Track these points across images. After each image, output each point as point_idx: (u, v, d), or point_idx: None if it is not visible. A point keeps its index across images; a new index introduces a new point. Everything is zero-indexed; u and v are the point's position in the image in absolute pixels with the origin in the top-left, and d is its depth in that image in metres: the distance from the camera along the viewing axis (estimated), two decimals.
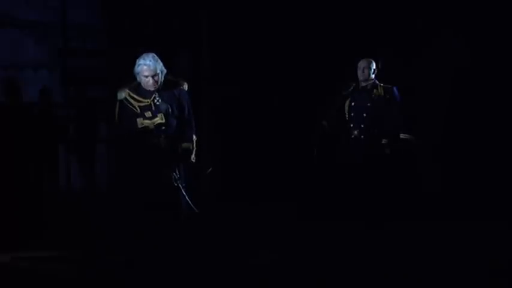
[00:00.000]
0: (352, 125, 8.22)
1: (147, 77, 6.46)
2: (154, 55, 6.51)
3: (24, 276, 6.49)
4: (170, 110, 6.51)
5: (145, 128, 6.47)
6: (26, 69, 10.65)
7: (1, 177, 8.08)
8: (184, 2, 10.95)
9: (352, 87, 8.28)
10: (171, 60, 6.84)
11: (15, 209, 8.04)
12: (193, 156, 6.60)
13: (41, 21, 10.81)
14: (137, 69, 6.49)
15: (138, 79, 6.54)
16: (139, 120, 6.47)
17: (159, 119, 6.47)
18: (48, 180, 9.08)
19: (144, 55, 6.50)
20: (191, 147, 6.60)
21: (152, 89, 6.50)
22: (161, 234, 6.40)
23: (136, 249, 6.49)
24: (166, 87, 6.56)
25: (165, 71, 6.54)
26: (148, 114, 6.48)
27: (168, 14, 10.91)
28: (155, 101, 6.50)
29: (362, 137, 8.17)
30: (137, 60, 6.49)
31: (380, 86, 8.24)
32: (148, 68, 6.45)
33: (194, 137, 6.65)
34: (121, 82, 6.76)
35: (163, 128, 6.49)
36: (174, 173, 6.45)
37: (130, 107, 6.48)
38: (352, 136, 8.20)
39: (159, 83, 6.50)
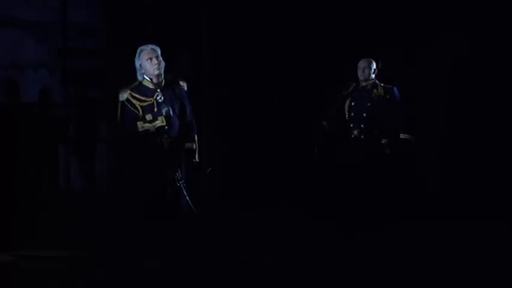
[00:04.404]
0: (352, 125, 8.22)
1: (151, 59, 6.46)
2: None
3: (24, 276, 6.49)
4: (171, 112, 6.49)
5: (146, 131, 6.46)
6: (26, 69, 10.64)
7: (1, 177, 8.08)
8: (184, 2, 10.95)
9: (352, 87, 8.28)
10: (171, 60, 6.83)
11: (15, 208, 8.04)
12: (196, 156, 6.60)
13: (41, 21, 10.80)
14: (138, 58, 6.49)
15: (140, 71, 6.50)
16: (139, 124, 6.46)
17: (159, 122, 6.46)
18: (48, 180, 9.08)
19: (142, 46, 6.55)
20: (194, 147, 6.60)
21: (156, 72, 6.46)
22: (162, 234, 6.40)
23: (137, 249, 6.49)
24: (167, 86, 6.56)
25: (164, 63, 6.53)
26: (149, 117, 6.47)
27: (168, 14, 10.91)
28: (158, 98, 6.50)
29: (362, 136, 8.17)
30: (137, 51, 6.51)
31: (380, 86, 8.24)
32: (151, 49, 6.48)
33: (196, 136, 6.65)
34: (121, 82, 6.76)
35: (166, 127, 6.48)
36: (177, 173, 6.45)
37: (132, 108, 6.48)
38: (352, 136, 8.20)
39: (161, 68, 6.48)
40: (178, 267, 6.33)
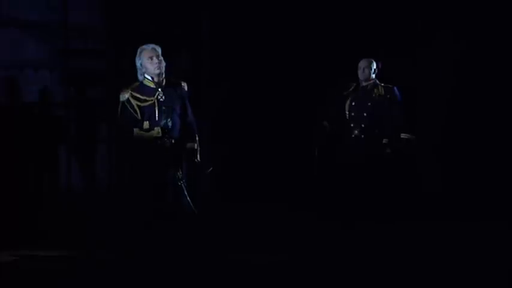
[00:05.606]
0: (352, 125, 8.23)
1: (151, 58, 6.46)
2: None
3: (24, 276, 6.49)
4: (170, 124, 6.48)
5: (141, 138, 6.45)
6: (26, 69, 10.63)
7: (1, 177, 8.08)
8: (185, 3, 10.95)
9: (352, 87, 8.29)
10: (172, 60, 6.83)
11: (15, 209, 8.04)
12: (198, 155, 6.60)
13: (41, 21, 10.78)
14: (138, 58, 6.50)
15: (140, 70, 6.51)
16: (135, 131, 6.45)
17: (155, 133, 6.45)
18: (48, 180, 9.08)
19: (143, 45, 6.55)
20: (196, 147, 6.60)
21: (157, 71, 6.47)
22: (162, 234, 6.40)
23: (137, 249, 6.48)
24: (168, 86, 6.56)
25: (165, 63, 6.53)
26: (146, 125, 6.45)
27: (169, 15, 10.91)
28: (159, 97, 6.49)
29: (362, 136, 8.18)
30: (138, 51, 6.51)
31: (380, 85, 8.25)
32: (152, 49, 6.48)
33: (197, 136, 6.65)
34: (121, 82, 6.75)
35: (169, 126, 6.48)
36: (178, 173, 6.45)
37: (131, 110, 6.46)
38: (353, 136, 8.21)
39: (162, 68, 6.48)
40: (179, 267, 6.32)
